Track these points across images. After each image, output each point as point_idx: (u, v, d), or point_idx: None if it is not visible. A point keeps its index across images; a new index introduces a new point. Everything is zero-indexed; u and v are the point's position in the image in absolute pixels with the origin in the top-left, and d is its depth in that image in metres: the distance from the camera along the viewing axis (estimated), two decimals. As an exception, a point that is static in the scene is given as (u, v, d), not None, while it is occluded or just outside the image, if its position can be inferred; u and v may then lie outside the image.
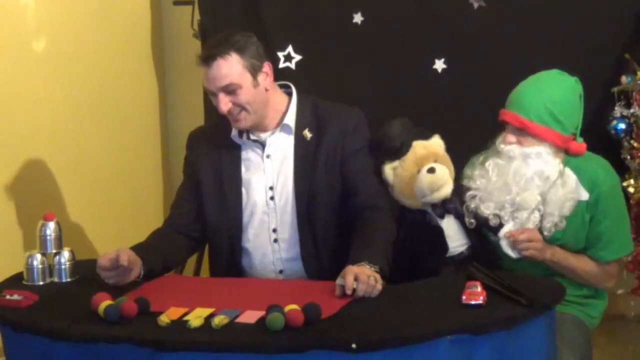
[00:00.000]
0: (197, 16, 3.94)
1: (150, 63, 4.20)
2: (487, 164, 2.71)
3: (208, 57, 2.63)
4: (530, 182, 2.63)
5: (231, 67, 2.63)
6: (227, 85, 2.63)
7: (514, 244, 2.62)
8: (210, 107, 3.94)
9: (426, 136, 2.82)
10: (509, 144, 2.68)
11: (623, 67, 3.37)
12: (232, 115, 2.68)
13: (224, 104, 2.65)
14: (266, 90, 2.71)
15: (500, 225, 2.64)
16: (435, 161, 2.75)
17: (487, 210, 2.65)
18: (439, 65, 3.63)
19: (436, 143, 2.82)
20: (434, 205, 2.76)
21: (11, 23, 3.21)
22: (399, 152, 2.78)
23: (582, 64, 3.09)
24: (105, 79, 3.77)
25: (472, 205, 2.68)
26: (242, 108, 2.67)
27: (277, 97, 2.78)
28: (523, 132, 2.66)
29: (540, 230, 2.64)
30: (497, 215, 2.65)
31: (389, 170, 2.79)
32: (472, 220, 2.70)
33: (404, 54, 3.66)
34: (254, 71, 2.67)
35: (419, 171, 2.73)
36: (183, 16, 4.07)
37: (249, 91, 2.66)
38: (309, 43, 3.63)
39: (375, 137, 2.81)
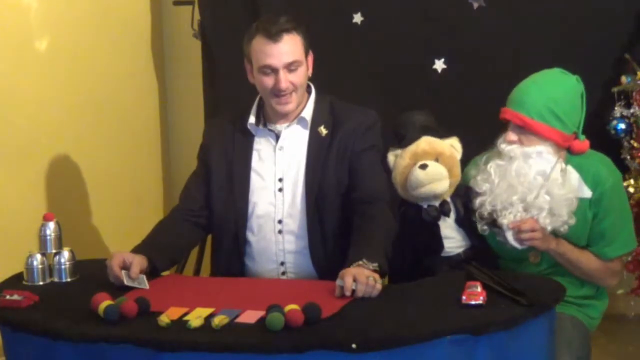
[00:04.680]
0: (197, 16, 3.94)
1: (150, 63, 4.20)
2: (488, 166, 2.71)
3: (277, 32, 2.63)
4: (534, 182, 2.62)
5: (296, 45, 2.67)
6: (292, 62, 2.66)
7: (517, 234, 2.60)
8: (210, 107, 3.99)
9: (442, 135, 2.78)
10: (510, 143, 2.68)
11: (623, 67, 3.37)
12: (284, 96, 2.69)
13: (285, 80, 2.66)
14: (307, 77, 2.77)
15: (490, 224, 2.65)
16: (437, 160, 2.72)
17: (502, 214, 2.62)
18: (439, 65, 3.63)
19: (447, 143, 2.76)
20: (430, 205, 2.74)
21: (13, 23, 3.22)
22: (403, 141, 2.77)
23: (582, 64, 3.09)
24: (105, 78, 3.77)
25: (485, 212, 2.66)
26: (295, 89, 2.70)
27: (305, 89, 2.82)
28: (524, 130, 2.66)
29: (554, 232, 2.63)
30: (503, 211, 2.64)
31: (391, 156, 2.79)
32: (485, 227, 2.68)
33: (404, 54, 3.67)
34: (307, 54, 2.72)
35: (415, 164, 2.72)
36: (183, 16, 4.08)
37: (304, 72, 2.71)
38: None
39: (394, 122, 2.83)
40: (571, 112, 2.68)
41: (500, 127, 2.76)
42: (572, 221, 2.63)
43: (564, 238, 2.67)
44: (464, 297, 2.23)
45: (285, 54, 2.65)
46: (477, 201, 2.69)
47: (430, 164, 2.69)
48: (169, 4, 4.15)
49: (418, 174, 2.69)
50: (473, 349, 2.13)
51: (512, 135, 2.67)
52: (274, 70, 2.66)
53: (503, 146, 2.69)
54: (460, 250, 2.74)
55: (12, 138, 3.18)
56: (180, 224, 2.81)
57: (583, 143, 2.72)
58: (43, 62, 3.37)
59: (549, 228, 2.62)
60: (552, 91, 2.66)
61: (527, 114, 2.64)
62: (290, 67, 2.66)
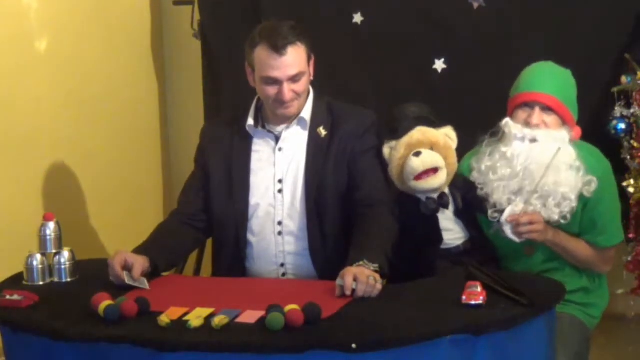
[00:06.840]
0: (197, 16, 3.94)
1: (150, 63, 4.20)
2: (508, 153, 2.67)
3: (282, 46, 2.62)
4: (558, 167, 2.60)
5: (300, 56, 2.67)
6: (296, 75, 2.66)
7: (515, 228, 2.59)
8: (210, 107, 3.98)
9: (435, 125, 2.76)
10: (534, 127, 2.65)
11: (623, 67, 3.37)
12: (286, 102, 2.69)
13: (289, 92, 2.67)
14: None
15: (501, 212, 2.62)
16: (431, 149, 2.69)
17: (515, 201, 2.61)
18: (439, 65, 3.63)
19: (441, 132, 2.73)
20: (428, 197, 2.72)
21: (13, 23, 3.22)
22: (396, 133, 2.76)
23: (582, 64, 3.09)
24: (105, 78, 3.77)
25: (501, 199, 2.64)
26: (298, 97, 2.71)
27: None
28: (548, 113, 2.65)
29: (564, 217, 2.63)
30: (510, 200, 2.62)
31: (386, 149, 2.77)
32: (496, 215, 2.65)
33: (404, 54, 3.67)
34: (309, 61, 2.73)
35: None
36: (183, 16, 4.08)
37: (307, 80, 2.73)
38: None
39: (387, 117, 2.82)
40: (576, 99, 2.72)
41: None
42: (576, 207, 2.63)
43: (559, 228, 2.67)
44: (464, 297, 2.23)
45: (290, 67, 2.64)
46: (494, 187, 2.66)
47: (424, 151, 2.67)
48: (169, 4, 4.15)
49: (413, 161, 2.67)
50: (473, 349, 2.13)
51: (537, 118, 2.65)
52: (278, 82, 2.66)
53: (527, 130, 2.65)
54: (459, 242, 2.74)
55: (12, 138, 3.19)
56: (180, 228, 2.81)
57: (579, 129, 2.73)
58: (43, 62, 3.37)
59: (556, 217, 2.61)
60: (564, 77, 2.71)
61: (555, 95, 2.65)
62: (295, 78, 2.66)
